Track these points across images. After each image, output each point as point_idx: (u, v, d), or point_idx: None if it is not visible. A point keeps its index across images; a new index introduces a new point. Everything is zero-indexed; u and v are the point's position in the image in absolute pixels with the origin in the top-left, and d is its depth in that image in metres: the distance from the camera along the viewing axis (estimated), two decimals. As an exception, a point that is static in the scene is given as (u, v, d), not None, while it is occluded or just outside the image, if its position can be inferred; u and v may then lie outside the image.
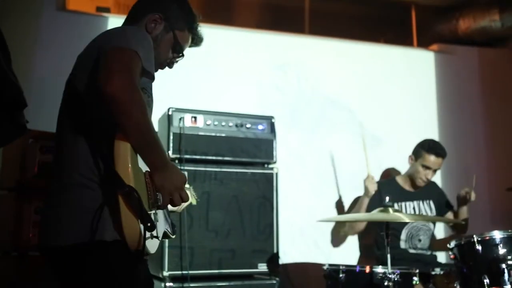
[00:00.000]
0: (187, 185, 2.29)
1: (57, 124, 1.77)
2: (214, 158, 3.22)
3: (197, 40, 2.01)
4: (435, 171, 3.73)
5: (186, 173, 3.01)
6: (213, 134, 3.24)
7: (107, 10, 4.26)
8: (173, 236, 1.92)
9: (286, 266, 3.69)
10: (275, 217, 3.28)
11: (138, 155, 1.58)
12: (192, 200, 2.35)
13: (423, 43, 5.09)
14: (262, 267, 3.18)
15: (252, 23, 4.94)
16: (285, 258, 3.65)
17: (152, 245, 1.65)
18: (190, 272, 2.99)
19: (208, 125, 3.25)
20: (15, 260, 2.68)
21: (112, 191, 1.51)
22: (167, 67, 1.97)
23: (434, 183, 3.94)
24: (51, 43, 3.69)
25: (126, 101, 1.48)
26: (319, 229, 4.03)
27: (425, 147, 3.72)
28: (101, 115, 1.60)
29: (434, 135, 4.45)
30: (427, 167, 3.69)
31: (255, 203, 3.26)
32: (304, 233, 4.02)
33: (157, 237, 1.65)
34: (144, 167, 1.62)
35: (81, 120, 1.66)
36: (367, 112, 4.38)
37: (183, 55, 1.97)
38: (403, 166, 4.03)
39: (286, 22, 4.87)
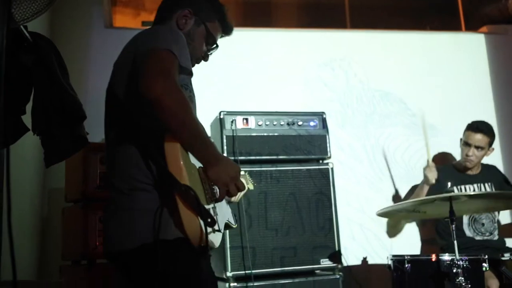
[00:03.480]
0: (242, 172, 2.30)
1: (104, 134, 1.79)
2: (268, 157, 3.23)
3: (227, 29, 2.00)
4: (478, 148, 3.57)
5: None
6: (265, 134, 3.25)
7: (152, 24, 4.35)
8: (235, 226, 1.93)
9: (348, 260, 3.64)
10: (333, 211, 3.25)
11: (188, 153, 1.59)
12: (250, 185, 2.36)
13: (472, 27, 4.94)
14: (325, 263, 3.15)
15: (293, 24, 4.93)
16: (346, 252, 3.60)
17: (215, 239, 1.66)
18: (253, 271, 3.00)
19: (260, 125, 3.26)
20: (85, 268, 2.75)
21: (169, 191, 1.52)
22: (202, 61, 1.97)
23: (493, 167, 3.81)
24: (102, 58, 3.80)
25: (170, 103, 1.49)
26: (378, 221, 3.96)
27: (468, 125, 3.62)
28: (146, 119, 1.61)
29: (492, 120, 4.30)
30: (467, 144, 3.59)
31: (313, 199, 3.24)
32: (363, 227, 3.97)
33: (219, 230, 1.66)
34: (197, 163, 1.64)
35: (127, 126, 1.68)
36: (420, 102, 4.28)
37: (217, 46, 1.97)
38: (459, 153, 3.92)
39: (326, 19, 4.84)
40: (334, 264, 3.17)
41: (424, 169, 3.64)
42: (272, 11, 5.15)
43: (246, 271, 3.00)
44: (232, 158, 3.12)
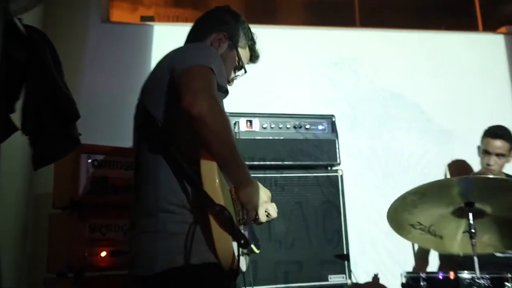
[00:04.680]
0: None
1: (134, 149, 1.85)
2: (273, 163, 3.18)
3: (255, 57, 2.15)
4: (499, 156, 3.52)
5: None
6: (270, 137, 3.20)
7: (151, 18, 4.34)
8: (258, 251, 1.94)
9: (357, 277, 3.60)
10: (342, 223, 3.19)
11: (223, 172, 1.63)
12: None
13: (489, 27, 4.91)
14: (333, 279, 3.09)
15: (299, 21, 4.92)
16: (356, 268, 3.55)
17: (242, 263, 1.69)
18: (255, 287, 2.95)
19: (264, 128, 3.22)
20: (71, 282, 2.69)
21: (202, 211, 1.56)
22: (228, 84, 2.02)
23: (515, 177, 3.76)
24: (98, 54, 3.81)
25: (213, 121, 1.54)
26: (391, 234, 3.90)
27: (485, 132, 3.58)
28: (183, 137, 1.68)
29: (510, 125, 4.26)
30: (486, 152, 3.54)
31: (320, 209, 3.18)
32: (374, 240, 3.91)
33: (248, 253, 1.73)
34: (229, 183, 1.68)
35: (160, 144, 1.71)
36: (434, 105, 4.26)
37: (245, 72, 2.10)
38: (477, 160, 3.88)
39: (334, 16, 4.83)
40: (343, 281, 3.09)
41: None
42: (277, 8, 5.15)
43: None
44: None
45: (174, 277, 1.59)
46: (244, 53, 2.07)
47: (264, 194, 1.72)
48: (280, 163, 3.20)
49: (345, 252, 3.15)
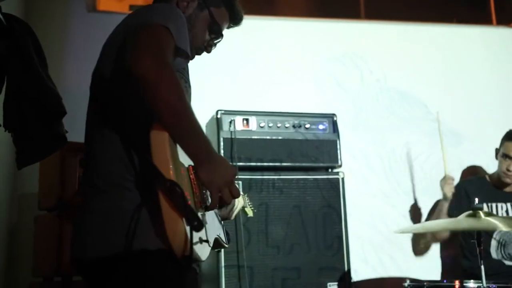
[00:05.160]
0: (241, 192, 2.26)
1: (86, 123, 1.76)
2: (271, 164, 3.23)
3: (236, 18, 1.98)
4: None
5: (240, 182, 3.04)
6: (268, 137, 3.25)
7: (141, 7, 4.35)
8: (227, 246, 1.87)
9: (358, 284, 3.63)
10: (343, 228, 3.25)
11: (178, 146, 1.53)
12: (249, 211, 2.33)
13: (504, 20, 4.93)
14: (332, 287, 3.14)
15: (300, 12, 4.92)
16: (356, 275, 3.59)
17: (202, 251, 1.58)
18: (251, 294, 2.99)
19: (262, 127, 3.26)
20: (59, 286, 2.73)
21: (151, 188, 1.45)
22: (204, 52, 1.94)
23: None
24: (83, 46, 3.79)
25: (157, 81, 1.43)
26: (393, 240, 3.96)
27: (505, 135, 3.61)
28: (132, 104, 1.59)
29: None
30: (506, 156, 3.58)
31: (320, 213, 3.24)
32: (376, 246, 3.96)
33: (207, 241, 1.60)
34: (187, 162, 1.58)
35: (110, 113, 1.64)
36: (444, 104, 4.27)
37: (222, 36, 1.93)
38: (488, 164, 3.91)
39: (338, 7, 4.82)
40: (343, 288, 3.16)
41: (440, 181, 3.64)
42: (276, -2, 5.15)
43: (243, 294, 2.99)
44: (230, 163, 3.11)
45: (119, 262, 1.49)
46: (219, 13, 1.90)
47: (228, 172, 1.54)
48: (278, 164, 3.25)
49: (345, 259, 3.20)
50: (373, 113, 4.21)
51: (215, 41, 1.94)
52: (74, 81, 3.66)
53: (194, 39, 1.83)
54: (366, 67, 4.29)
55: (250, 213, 2.35)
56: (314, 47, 4.24)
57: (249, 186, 3.11)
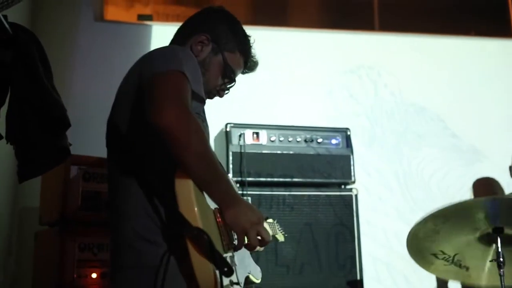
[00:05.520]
0: (270, 220, 2.29)
1: (107, 170, 1.81)
2: (281, 180, 3.22)
3: (251, 64, 2.05)
4: None
5: (249, 198, 3.03)
6: (279, 151, 3.24)
7: (149, 18, 4.39)
8: (258, 281, 1.91)
9: (372, 307, 3.61)
10: (356, 247, 3.23)
11: (203, 192, 1.58)
12: (280, 236, 2.36)
13: (525, 34, 4.94)
14: (345, 309, 3.12)
15: (312, 23, 4.93)
16: (370, 297, 3.56)
17: None
18: (259, 316, 2.96)
19: (272, 141, 3.26)
20: (59, 305, 2.73)
21: (178, 237, 1.50)
22: (216, 96, 1.99)
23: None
24: (91, 56, 3.83)
25: (183, 132, 1.49)
26: (408, 261, 3.90)
27: None
28: (154, 152, 1.64)
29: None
30: None
31: (332, 231, 3.21)
32: (390, 267, 3.93)
33: (238, 283, 1.66)
34: (212, 204, 1.64)
35: (131, 164, 1.69)
36: (462, 119, 4.26)
37: (235, 81, 1.99)
38: (508, 182, 3.88)
39: (352, 18, 4.84)
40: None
41: None
42: (289, 7, 5.17)
43: (251, 316, 2.97)
44: (239, 179, 3.11)
45: None
46: (233, 58, 1.96)
47: (254, 214, 1.60)
48: (289, 180, 3.23)
49: (358, 279, 3.18)
50: (388, 128, 4.20)
51: (228, 86, 1.99)
52: (80, 93, 3.69)
53: (207, 83, 1.88)
54: (381, 80, 4.30)
55: (281, 238, 2.39)
56: (327, 59, 4.25)
57: (258, 202, 3.10)
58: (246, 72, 2.07)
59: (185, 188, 1.51)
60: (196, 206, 1.49)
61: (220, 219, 1.60)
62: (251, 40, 2.03)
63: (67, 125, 2.03)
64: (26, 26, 1.98)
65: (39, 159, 1.99)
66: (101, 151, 3.00)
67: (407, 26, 4.58)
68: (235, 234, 1.62)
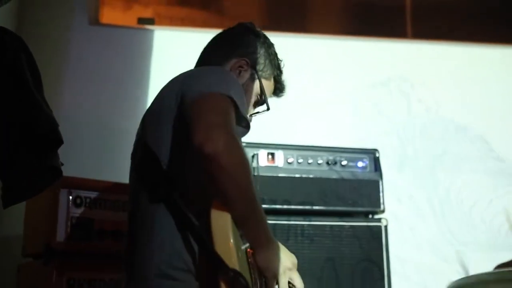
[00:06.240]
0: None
1: (131, 195, 1.87)
2: (300, 207, 3.22)
3: (279, 90, 2.23)
4: None
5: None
6: (297, 175, 3.25)
7: (151, 21, 4.42)
8: None
9: None
10: (386, 286, 3.21)
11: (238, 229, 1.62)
12: None
13: None
14: None
15: (335, 29, 4.95)
16: None
17: None
18: None
19: (290, 163, 3.26)
20: None
21: (211, 277, 1.52)
22: None
23: None
24: (85, 64, 3.86)
25: (231, 163, 1.55)
26: (446, 303, 3.89)
27: None
28: (190, 182, 1.70)
29: None
30: None
31: (358, 268, 3.20)
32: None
33: None
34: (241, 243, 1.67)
35: (163, 191, 1.72)
36: (509, 140, 4.24)
37: (268, 108, 2.13)
38: None
39: (380, 24, 4.84)
40: None
41: None
42: (308, 11, 5.19)
43: None
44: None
45: None
46: (268, 85, 2.12)
47: (287, 259, 1.70)
48: (309, 208, 3.24)
49: (388, 325, 3.15)
50: (422, 149, 4.20)
51: (258, 113, 2.14)
52: (73, 105, 3.71)
53: None
54: (414, 94, 4.30)
55: None
56: (352, 70, 4.27)
57: (273, 233, 3.08)
58: (271, 96, 2.20)
59: (223, 223, 1.55)
60: (233, 243, 1.53)
61: (252, 260, 1.64)
62: (282, 65, 2.19)
63: (59, 142, 2.04)
64: (12, 29, 1.99)
65: (26, 180, 2.00)
66: (95, 173, 3.03)
67: (445, 34, 4.58)
68: (263, 277, 1.66)
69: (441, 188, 4.15)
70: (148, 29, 4.20)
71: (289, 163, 3.27)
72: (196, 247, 1.64)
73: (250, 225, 1.62)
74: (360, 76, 4.27)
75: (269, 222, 3.02)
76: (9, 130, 1.93)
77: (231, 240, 1.53)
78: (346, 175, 3.32)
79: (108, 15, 4.40)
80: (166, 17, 4.81)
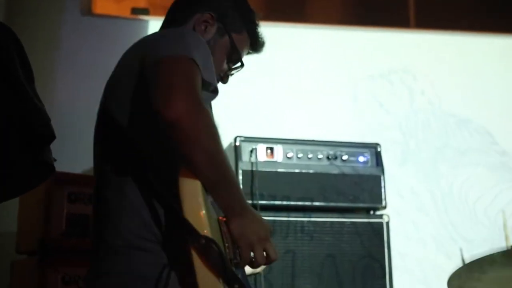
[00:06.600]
0: None
1: (94, 168, 1.84)
2: (299, 203, 3.23)
3: (257, 45, 2.11)
4: None
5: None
6: (297, 170, 3.26)
7: (146, 11, 4.42)
8: None
9: None
10: (388, 283, 3.23)
11: (209, 195, 1.58)
12: None
13: None
14: None
15: (335, 19, 4.94)
16: None
17: None
18: None
19: (289, 158, 3.27)
20: None
21: (182, 246, 1.50)
22: (220, 82, 2.02)
23: None
24: (76, 56, 3.84)
25: (193, 126, 1.50)
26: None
27: None
28: (157, 149, 1.66)
29: None
30: None
31: (359, 265, 3.22)
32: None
33: None
34: (215, 213, 1.63)
35: (128, 159, 1.70)
36: (512, 134, 4.25)
37: (242, 65, 2.05)
38: None
39: (382, 13, 4.83)
40: None
41: None
42: (308, 0, 5.18)
43: None
44: (250, 201, 3.11)
45: None
46: (240, 39, 2.02)
47: (262, 228, 1.61)
48: (309, 203, 3.25)
49: (389, 322, 3.17)
50: (425, 143, 4.19)
51: (234, 71, 2.05)
52: (65, 99, 3.70)
53: None
54: (417, 87, 4.29)
55: None
56: (353, 61, 4.25)
57: (272, 230, 3.10)
58: (249, 53, 2.11)
59: (192, 190, 1.51)
60: (204, 210, 1.50)
61: (225, 230, 1.58)
62: (258, 16, 2.09)
63: (52, 137, 2.04)
64: (2, 20, 1.99)
65: (18, 177, 2.00)
66: (89, 168, 3.02)
67: (449, 23, 4.57)
68: (237, 247, 1.60)
69: (443, 183, 4.15)
70: (142, 20, 4.18)
71: (288, 158, 3.28)
72: (165, 217, 1.62)
73: (221, 192, 1.56)
74: (361, 67, 4.25)
75: (268, 218, 3.10)
76: (1, 126, 1.93)
77: (202, 207, 1.50)
78: (347, 170, 3.33)
79: (101, 5, 4.39)
80: (161, 6, 4.78)
